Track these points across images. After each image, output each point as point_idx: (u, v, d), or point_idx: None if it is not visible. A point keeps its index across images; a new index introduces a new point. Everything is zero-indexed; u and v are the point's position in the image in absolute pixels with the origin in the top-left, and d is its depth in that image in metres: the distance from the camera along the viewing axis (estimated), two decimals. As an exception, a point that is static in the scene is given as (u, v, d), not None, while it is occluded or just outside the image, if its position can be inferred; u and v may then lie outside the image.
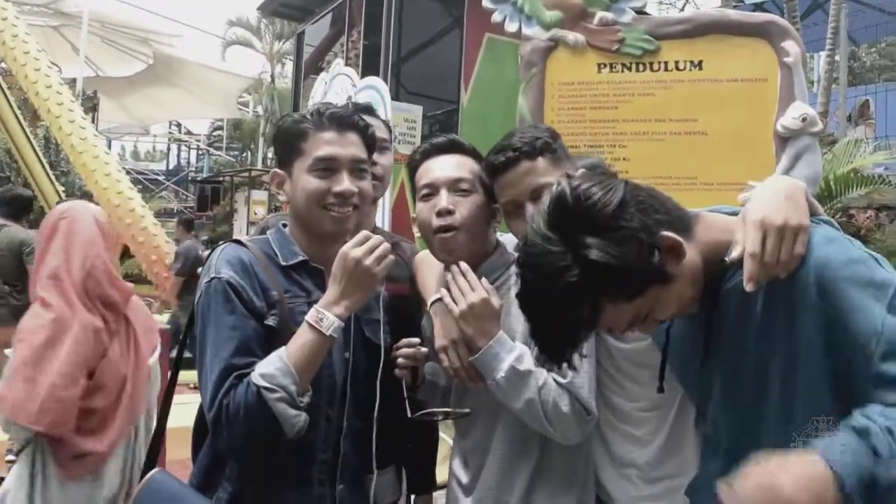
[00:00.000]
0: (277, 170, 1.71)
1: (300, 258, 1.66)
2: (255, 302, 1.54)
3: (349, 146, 1.65)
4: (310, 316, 1.49)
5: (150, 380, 2.47)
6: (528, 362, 1.67)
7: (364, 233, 1.55)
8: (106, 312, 2.37)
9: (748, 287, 1.25)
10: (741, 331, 1.34)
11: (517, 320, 1.73)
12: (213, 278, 1.56)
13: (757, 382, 1.33)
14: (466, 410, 1.78)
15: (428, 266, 1.93)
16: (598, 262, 1.16)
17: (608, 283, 1.19)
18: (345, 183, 1.62)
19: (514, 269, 1.76)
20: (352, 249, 1.52)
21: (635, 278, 1.21)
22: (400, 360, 1.78)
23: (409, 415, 1.74)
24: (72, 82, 18.12)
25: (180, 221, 9.54)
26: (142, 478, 1.69)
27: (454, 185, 1.76)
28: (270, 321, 1.55)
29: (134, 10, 23.37)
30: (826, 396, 1.25)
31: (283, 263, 1.65)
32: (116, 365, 2.33)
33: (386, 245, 1.53)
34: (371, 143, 1.73)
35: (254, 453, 1.53)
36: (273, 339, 1.53)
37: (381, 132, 2.03)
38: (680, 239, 1.25)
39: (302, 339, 1.48)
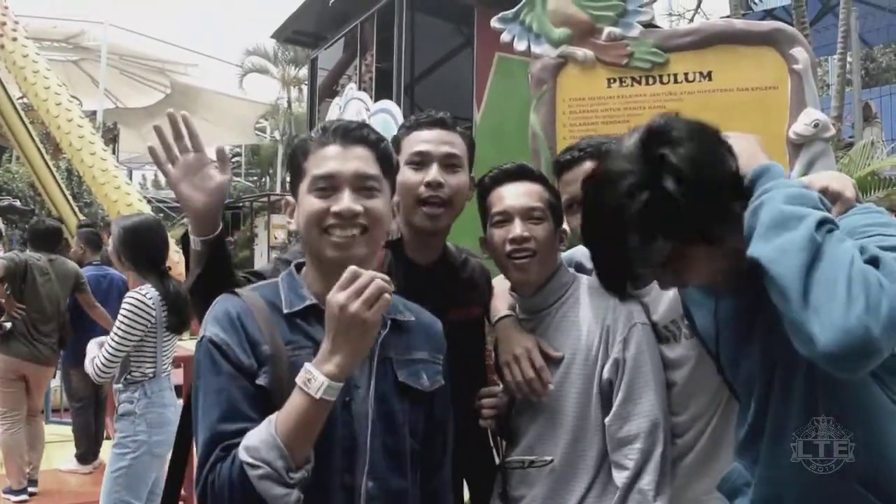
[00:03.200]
0: (289, 196, 1.53)
1: (308, 303, 1.42)
2: (241, 360, 1.33)
3: (353, 161, 1.42)
4: (299, 377, 1.26)
5: None
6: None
7: (351, 270, 1.27)
8: None
9: None
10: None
11: (567, 334, 1.81)
12: (201, 338, 1.38)
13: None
14: (549, 458, 1.77)
15: (497, 287, 2.02)
16: (676, 184, 1.19)
17: (672, 212, 1.20)
18: (344, 201, 1.39)
19: (574, 286, 1.88)
20: (335, 294, 1.25)
21: (700, 215, 1.21)
22: (484, 410, 1.85)
23: (498, 462, 1.75)
24: (92, 115, 18.46)
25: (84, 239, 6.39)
26: None
27: (527, 214, 1.82)
28: (261, 380, 1.33)
29: (150, 41, 23.75)
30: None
31: (287, 311, 1.42)
32: None
33: (378, 283, 1.25)
34: (386, 159, 1.49)
35: None
36: (268, 400, 1.32)
37: (454, 148, 1.86)
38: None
39: (291, 404, 1.25)
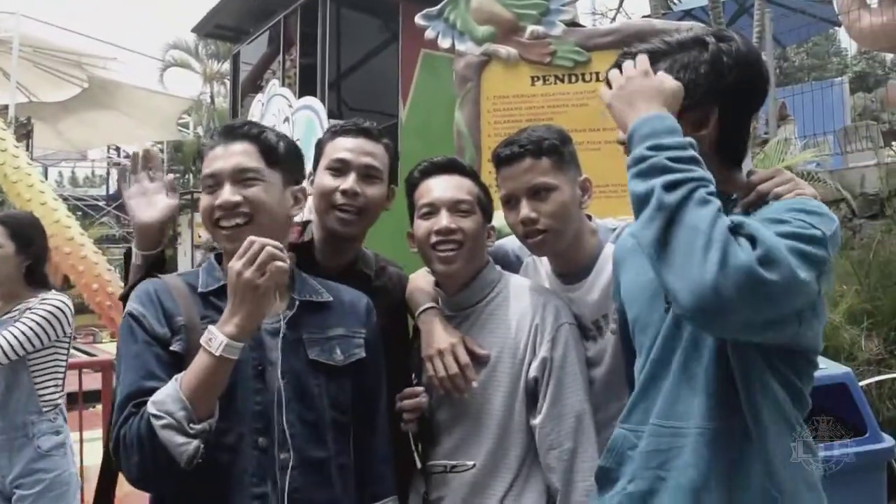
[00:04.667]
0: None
1: (221, 283, 1.55)
2: (156, 329, 1.49)
3: (232, 157, 1.57)
4: (203, 337, 1.40)
5: None
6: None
7: (248, 240, 1.41)
8: None
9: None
10: None
11: (494, 332, 1.80)
12: (123, 316, 1.53)
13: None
14: (471, 464, 1.75)
15: (417, 279, 1.99)
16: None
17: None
18: (223, 194, 1.54)
19: (501, 284, 1.86)
20: (233, 262, 1.40)
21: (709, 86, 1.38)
22: (405, 413, 1.81)
23: (419, 466, 1.71)
24: (3, 109, 17.65)
25: None
26: None
27: (455, 206, 1.81)
28: (175, 346, 1.48)
29: (67, 34, 22.89)
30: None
31: (202, 290, 1.58)
32: None
33: (269, 250, 1.39)
34: (270, 150, 1.61)
35: (165, 486, 1.45)
36: (181, 365, 1.45)
37: (374, 159, 1.90)
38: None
39: (196, 362, 1.40)
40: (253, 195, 1.55)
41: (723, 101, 1.40)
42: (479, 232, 1.83)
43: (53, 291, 3.12)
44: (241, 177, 1.56)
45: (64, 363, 3.12)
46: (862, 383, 3.51)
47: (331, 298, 1.68)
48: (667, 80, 1.35)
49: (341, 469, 1.58)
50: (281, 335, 1.55)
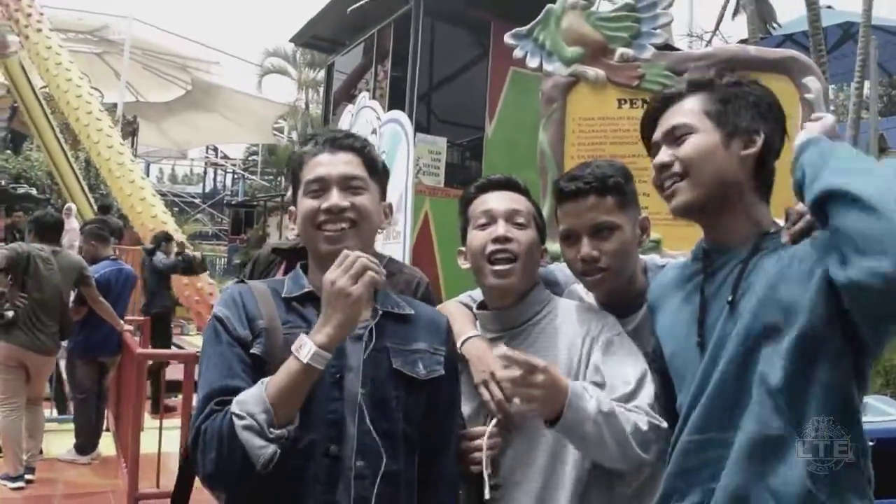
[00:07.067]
0: (292, 207, 1.70)
1: (305, 290, 1.60)
2: (238, 331, 1.51)
3: (339, 165, 1.61)
4: (294, 344, 1.41)
5: None
6: (605, 399, 1.58)
7: (343, 253, 1.44)
8: None
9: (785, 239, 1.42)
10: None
11: (546, 350, 1.72)
12: (210, 317, 1.58)
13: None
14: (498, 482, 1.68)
15: (449, 308, 1.93)
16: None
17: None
18: (333, 198, 1.57)
19: (551, 305, 1.80)
20: (328, 273, 1.42)
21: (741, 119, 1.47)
22: (475, 454, 1.68)
23: (486, 497, 1.62)
24: (113, 107, 18.62)
25: (92, 234, 6.23)
26: None
27: (511, 217, 1.78)
28: (255, 349, 1.50)
29: (174, 38, 23.95)
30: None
31: (285, 295, 1.60)
32: None
33: (363, 261, 1.41)
34: (371, 162, 1.66)
35: (236, 485, 1.45)
36: (261, 368, 1.48)
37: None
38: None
39: (284, 368, 1.41)
40: (360, 202, 1.59)
41: (767, 127, 1.48)
42: (534, 247, 1.78)
43: None
44: (348, 184, 1.60)
45: None
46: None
47: (413, 312, 1.67)
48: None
49: (408, 484, 1.57)
50: (364, 341, 1.55)
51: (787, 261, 1.36)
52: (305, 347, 1.39)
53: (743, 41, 9.80)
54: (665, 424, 1.60)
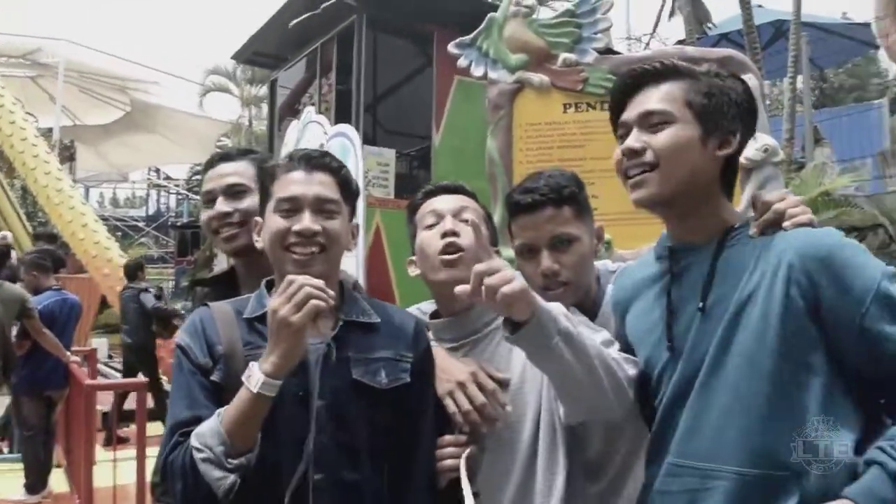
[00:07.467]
0: (258, 217, 1.66)
1: (265, 310, 1.50)
2: (199, 359, 1.51)
3: (314, 185, 1.57)
4: (244, 373, 1.41)
5: None
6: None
7: (287, 279, 1.42)
8: None
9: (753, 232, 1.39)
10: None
11: (511, 354, 1.67)
12: (174, 346, 1.58)
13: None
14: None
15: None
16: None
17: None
18: (305, 221, 1.53)
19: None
20: (273, 300, 1.42)
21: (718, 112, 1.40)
22: (448, 461, 1.62)
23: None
24: (48, 132, 18.12)
25: (33, 264, 5.89)
26: None
27: (459, 214, 1.74)
28: (215, 376, 1.50)
29: (111, 59, 23.47)
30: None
31: (246, 316, 1.57)
32: None
33: (307, 290, 1.38)
34: (346, 184, 1.63)
35: None
36: (222, 394, 1.47)
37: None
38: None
39: (237, 397, 1.41)
40: (331, 227, 1.56)
41: (742, 127, 1.42)
42: (484, 245, 1.65)
43: None
44: (321, 206, 1.57)
45: None
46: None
47: (378, 320, 1.63)
48: None
49: (375, 494, 1.54)
50: (322, 355, 1.52)
51: (758, 276, 1.32)
52: (254, 377, 1.39)
53: (680, 42, 10.03)
54: (633, 371, 1.54)
